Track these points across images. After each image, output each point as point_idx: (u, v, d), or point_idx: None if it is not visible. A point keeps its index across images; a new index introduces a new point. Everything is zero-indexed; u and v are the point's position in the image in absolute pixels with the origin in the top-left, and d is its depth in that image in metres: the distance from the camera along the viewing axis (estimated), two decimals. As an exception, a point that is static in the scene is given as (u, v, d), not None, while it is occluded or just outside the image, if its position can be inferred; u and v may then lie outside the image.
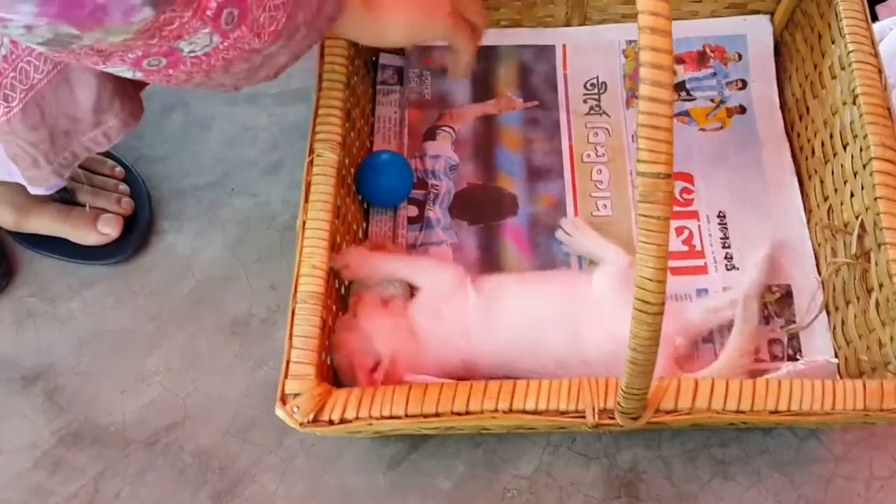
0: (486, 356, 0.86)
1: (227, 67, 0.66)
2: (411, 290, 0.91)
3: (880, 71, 0.85)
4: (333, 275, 0.85)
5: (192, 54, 0.62)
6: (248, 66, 0.67)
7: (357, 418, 0.73)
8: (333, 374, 0.84)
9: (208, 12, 0.58)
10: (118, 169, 1.06)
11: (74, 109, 0.82)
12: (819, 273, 0.93)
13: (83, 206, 1.03)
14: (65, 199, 1.02)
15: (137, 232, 1.04)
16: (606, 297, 0.87)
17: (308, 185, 0.82)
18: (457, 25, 0.84)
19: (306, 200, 0.82)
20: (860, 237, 0.83)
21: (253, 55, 0.66)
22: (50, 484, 0.92)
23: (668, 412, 0.71)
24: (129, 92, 0.83)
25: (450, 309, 0.88)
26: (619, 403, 0.69)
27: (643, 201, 0.53)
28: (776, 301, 0.93)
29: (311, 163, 0.83)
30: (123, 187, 1.05)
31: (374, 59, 1.08)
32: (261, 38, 0.64)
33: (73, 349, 0.99)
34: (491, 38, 1.07)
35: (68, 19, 0.46)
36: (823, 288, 0.92)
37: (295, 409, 0.72)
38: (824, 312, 0.91)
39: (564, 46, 1.08)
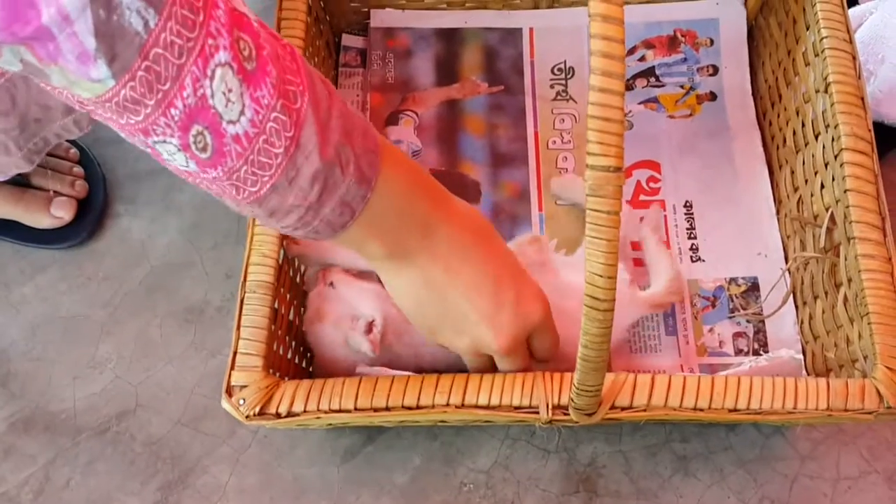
0: None
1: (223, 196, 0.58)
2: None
3: (854, 58, 0.83)
4: (288, 264, 0.82)
5: (173, 164, 0.54)
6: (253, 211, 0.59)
7: (305, 411, 0.71)
8: (294, 364, 0.82)
9: (173, 111, 0.49)
10: (73, 151, 1.04)
11: (46, 98, 0.80)
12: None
13: (37, 188, 1.00)
14: (18, 181, 1.00)
15: (92, 216, 1.02)
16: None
17: (261, 169, 0.80)
18: (513, 351, 0.71)
19: (258, 186, 0.79)
20: (829, 230, 0.82)
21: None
22: (0, 471, 0.90)
23: (623, 408, 0.70)
24: None
25: None
26: (572, 400, 0.67)
27: (592, 195, 0.51)
28: (742, 293, 0.92)
29: (264, 145, 0.81)
30: (78, 170, 1.03)
31: (336, 40, 1.05)
32: (239, 193, 0.56)
33: (26, 335, 0.97)
34: (455, 19, 1.05)
35: (12, 36, 0.43)
36: (789, 279, 0.90)
37: (241, 402, 0.71)
38: (792, 307, 0.90)
39: (531, 30, 1.06)
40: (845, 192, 0.77)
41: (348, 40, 1.06)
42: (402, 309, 0.71)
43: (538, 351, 0.74)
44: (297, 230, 0.59)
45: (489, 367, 0.73)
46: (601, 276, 0.54)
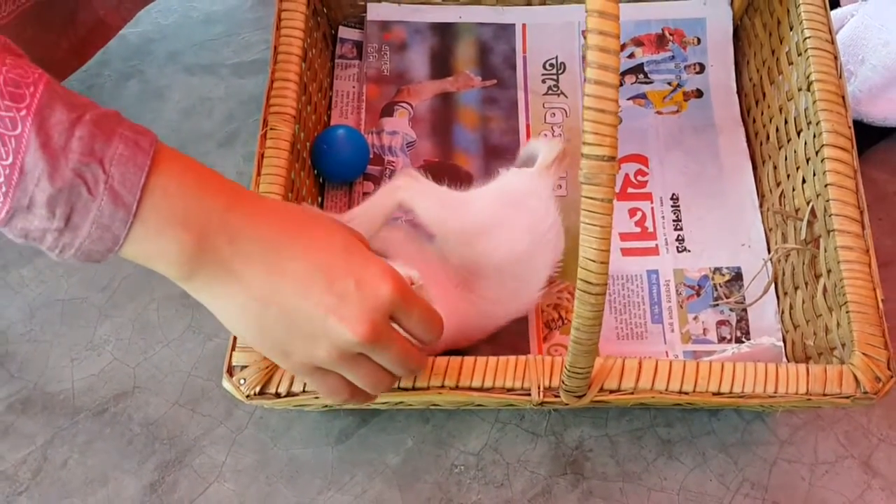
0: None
1: None
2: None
3: (836, 58, 0.85)
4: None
5: None
6: None
7: (304, 391, 0.73)
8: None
9: None
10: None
11: None
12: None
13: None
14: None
15: (90, 201, 1.02)
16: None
17: (260, 158, 0.82)
18: (379, 338, 0.62)
19: (258, 174, 0.81)
20: (810, 223, 0.84)
21: None
22: (-1, 450, 0.92)
23: (611, 391, 0.72)
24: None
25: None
26: (563, 382, 0.70)
27: (587, 183, 0.53)
28: (726, 283, 0.94)
29: (264, 136, 0.83)
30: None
31: (333, 32, 1.07)
32: None
33: (25, 316, 0.98)
34: (450, 14, 1.07)
35: None
36: (771, 269, 0.92)
37: (242, 382, 0.73)
38: (773, 296, 0.92)
39: (524, 25, 1.08)
40: (826, 186, 0.80)
41: (345, 32, 1.08)
42: (247, 341, 0.66)
43: (415, 332, 0.67)
44: (65, 252, 0.56)
45: (372, 376, 0.66)
46: (594, 261, 0.56)
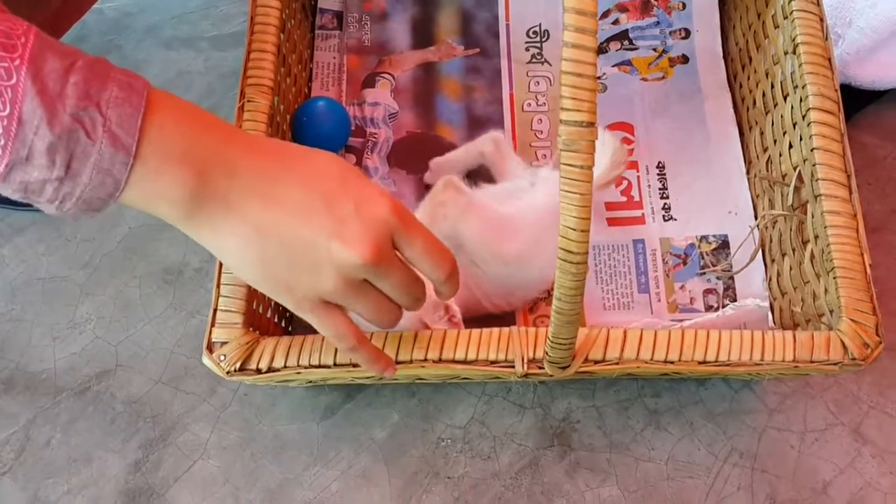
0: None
1: None
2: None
3: (822, 20, 0.84)
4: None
5: None
6: None
7: (285, 367, 0.72)
8: (274, 324, 0.83)
9: None
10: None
11: None
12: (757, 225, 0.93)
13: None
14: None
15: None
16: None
17: (238, 130, 0.81)
18: (383, 259, 0.61)
19: (236, 146, 0.80)
20: (797, 189, 0.83)
21: None
22: (-19, 431, 0.91)
23: (596, 362, 0.71)
24: None
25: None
26: (547, 353, 0.69)
27: (566, 150, 0.52)
28: (713, 251, 0.93)
29: (241, 108, 0.81)
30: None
31: (312, 2, 1.06)
32: None
33: (6, 295, 0.97)
34: (431, -18, 1.06)
35: None
36: (758, 236, 0.92)
37: (222, 358, 0.72)
38: (760, 264, 0.91)
39: (507, -8, 1.07)
40: (812, 150, 0.79)
41: (325, 2, 1.06)
42: (251, 280, 0.63)
43: (418, 261, 0.64)
44: (65, 203, 0.55)
45: (378, 304, 0.64)
46: (574, 229, 0.55)
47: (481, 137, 0.95)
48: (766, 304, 0.88)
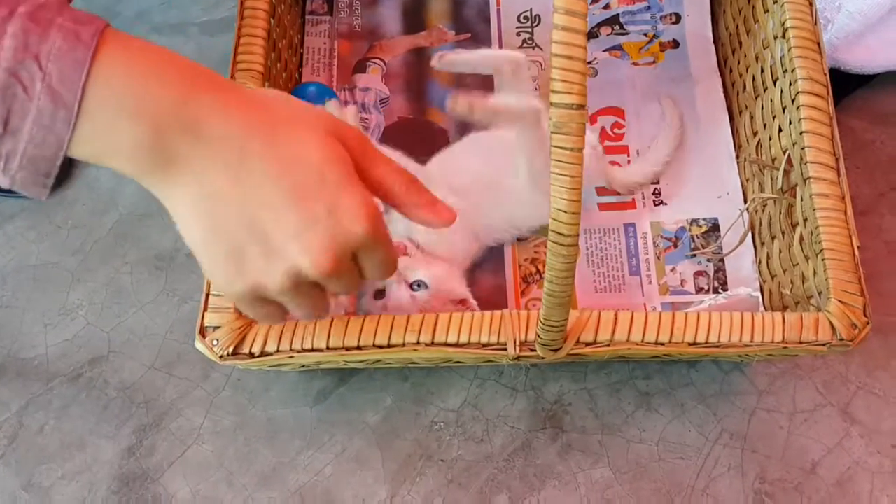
0: None
1: None
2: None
3: (811, 4, 0.84)
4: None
5: None
6: None
7: (278, 351, 0.72)
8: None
9: None
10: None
11: None
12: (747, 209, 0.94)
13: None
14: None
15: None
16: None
17: (229, 115, 0.81)
18: (336, 272, 0.55)
19: (227, 132, 0.80)
20: (786, 172, 0.84)
21: None
22: (-26, 419, 0.91)
23: (588, 344, 0.72)
24: None
25: None
26: (538, 336, 0.69)
27: (556, 132, 0.53)
28: (703, 234, 0.94)
29: (232, 93, 0.81)
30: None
31: (303, -13, 1.06)
32: None
33: (-3, 283, 0.97)
34: (422, -33, 1.05)
35: None
36: (748, 219, 0.92)
37: (215, 342, 0.72)
38: (750, 246, 0.92)
39: (498, -23, 1.07)
40: (801, 133, 0.79)
41: (315, -12, 1.06)
42: (194, 243, 0.55)
43: (368, 271, 0.59)
44: (10, 162, 0.51)
45: (314, 302, 0.59)
46: (565, 211, 0.55)
47: (503, 53, 0.97)
48: (758, 293, 0.88)
